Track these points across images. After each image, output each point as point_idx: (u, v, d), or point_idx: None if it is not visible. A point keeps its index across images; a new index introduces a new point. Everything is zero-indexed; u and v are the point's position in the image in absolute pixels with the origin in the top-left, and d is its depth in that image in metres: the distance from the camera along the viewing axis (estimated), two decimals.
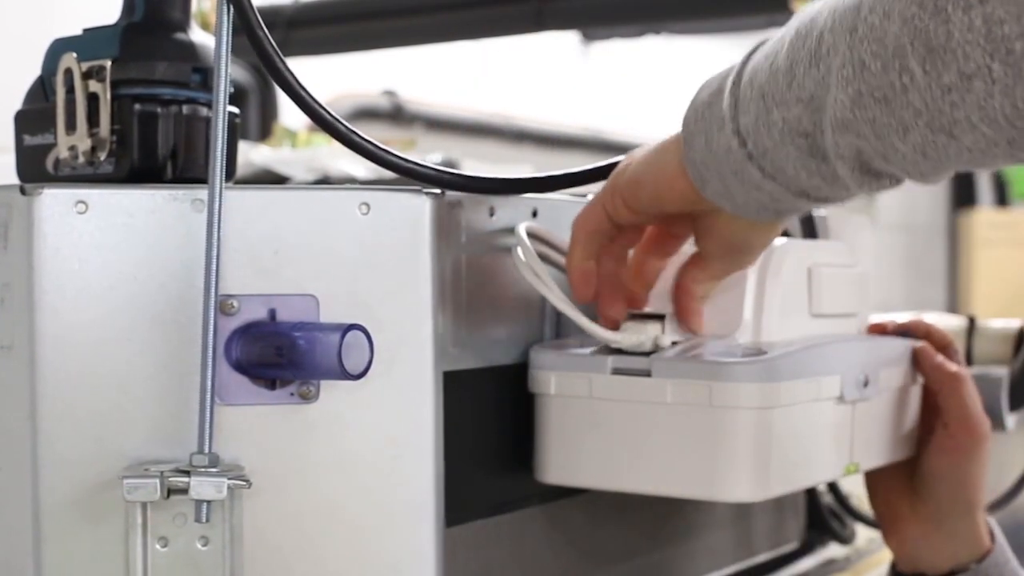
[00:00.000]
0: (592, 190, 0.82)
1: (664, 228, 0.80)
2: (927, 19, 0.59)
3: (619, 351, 0.80)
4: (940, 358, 0.94)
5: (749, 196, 0.70)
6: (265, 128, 2.65)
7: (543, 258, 0.82)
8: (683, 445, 0.78)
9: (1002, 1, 0.57)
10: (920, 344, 0.94)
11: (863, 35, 0.62)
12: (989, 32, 0.57)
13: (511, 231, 0.81)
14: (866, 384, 0.86)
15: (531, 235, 0.81)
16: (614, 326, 0.81)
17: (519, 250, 0.78)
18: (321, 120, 0.73)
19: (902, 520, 0.96)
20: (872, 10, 0.62)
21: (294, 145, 2.08)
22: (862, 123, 0.63)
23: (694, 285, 0.79)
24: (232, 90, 0.71)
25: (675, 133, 0.74)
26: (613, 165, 0.80)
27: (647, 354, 0.79)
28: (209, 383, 0.66)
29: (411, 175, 0.74)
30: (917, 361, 0.94)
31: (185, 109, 0.76)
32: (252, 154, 1.88)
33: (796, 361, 0.79)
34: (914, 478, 0.94)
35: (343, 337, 0.67)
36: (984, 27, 0.57)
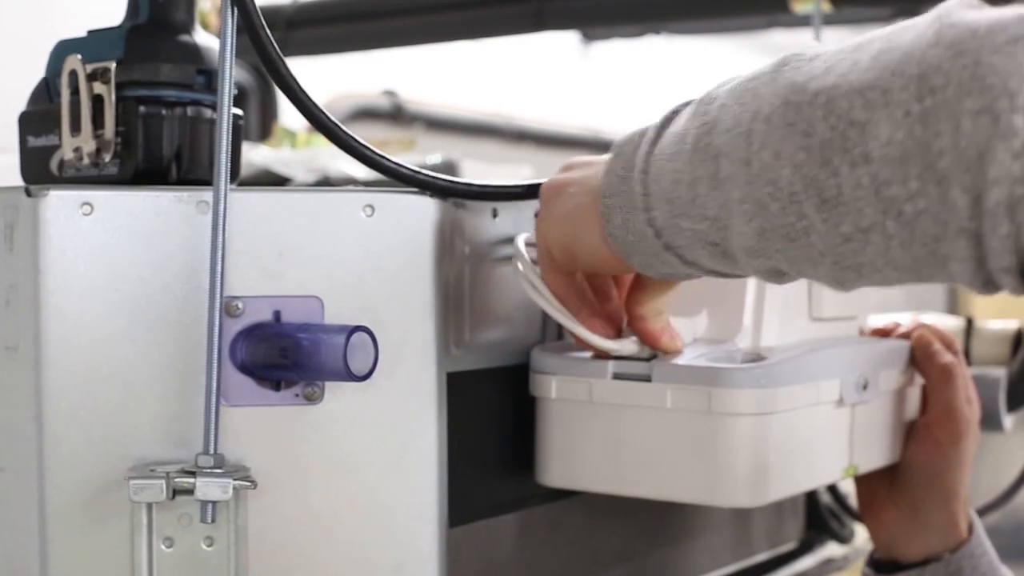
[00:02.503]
0: None
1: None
2: (816, 169, 0.57)
3: (619, 356, 0.80)
4: (936, 347, 0.94)
5: (674, 271, 0.69)
6: (265, 129, 2.65)
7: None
8: (683, 450, 0.78)
9: (887, 162, 0.54)
10: (919, 333, 0.94)
11: (758, 172, 0.60)
12: (878, 192, 0.55)
13: (513, 236, 0.81)
14: (865, 387, 0.87)
15: (532, 245, 0.81)
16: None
17: (517, 263, 0.78)
18: (320, 124, 0.74)
19: (880, 506, 0.96)
20: (763, 145, 0.59)
21: (294, 146, 2.08)
22: (771, 251, 0.61)
23: (640, 308, 0.77)
24: (235, 92, 0.71)
25: (589, 191, 0.71)
26: None
27: (647, 359, 0.79)
28: (214, 384, 0.67)
29: (408, 181, 0.74)
30: (914, 349, 0.94)
31: (189, 111, 0.76)
32: (252, 155, 1.88)
33: (795, 366, 0.80)
34: (895, 466, 0.95)
35: (348, 338, 0.67)
36: (872, 186, 0.55)
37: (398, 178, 0.75)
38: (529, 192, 0.79)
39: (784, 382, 0.78)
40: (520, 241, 0.79)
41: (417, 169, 0.75)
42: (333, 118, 0.74)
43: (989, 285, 0.54)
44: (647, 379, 0.78)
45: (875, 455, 0.91)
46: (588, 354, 0.81)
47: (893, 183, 0.54)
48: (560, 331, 0.87)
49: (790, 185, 0.58)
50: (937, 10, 0.56)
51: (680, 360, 0.79)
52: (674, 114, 0.68)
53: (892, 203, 0.54)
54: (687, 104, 0.68)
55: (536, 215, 0.76)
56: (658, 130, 0.68)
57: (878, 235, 0.56)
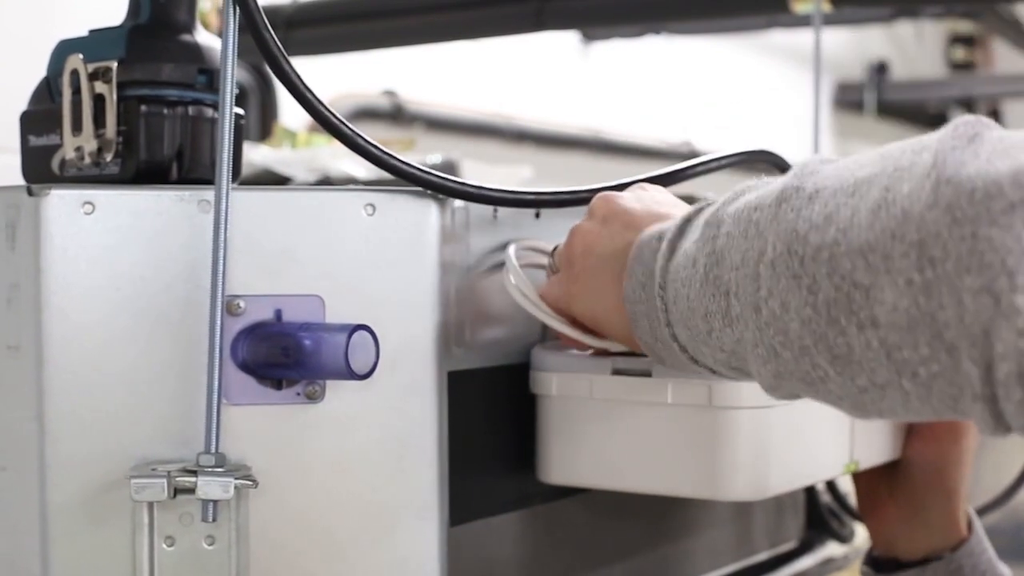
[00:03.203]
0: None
1: None
2: (824, 327, 0.56)
3: (620, 352, 0.80)
4: None
5: (709, 375, 0.70)
6: (265, 128, 2.65)
7: (542, 268, 0.82)
8: (683, 445, 0.78)
9: (895, 328, 0.53)
10: None
11: (767, 320, 0.59)
12: (889, 355, 0.54)
13: (514, 234, 0.81)
14: None
15: (527, 248, 0.81)
16: None
17: (510, 275, 0.78)
18: (326, 122, 0.74)
19: (880, 503, 0.96)
20: (771, 293, 0.58)
21: (294, 145, 2.08)
22: (790, 387, 0.61)
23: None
24: (236, 91, 0.72)
25: (615, 274, 0.71)
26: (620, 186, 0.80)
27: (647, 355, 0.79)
28: (216, 383, 0.67)
29: (413, 180, 0.74)
30: None
31: (191, 110, 0.76)
32: (252, 154, 1.88)
33: None
34: (895, 463, 0.95)
35: (349, 337, 0.67)
36: (883, 349, 0.54)
37: (403, 176, 0.75)
38: (536, 201, 0.79)
39: None
40: (511, 251, 0.79)
41: (422, 168, 0.75)
42: (338, 115, 0.74)
43: (1007, 432, 0.53)
44: (647, 374, 0.78)
45: (876, 451, 0.91)
46: (588, 351, 0.81)
47: (904, 348, 0.53)
48: None
49: (800, 339, 0.57)
50: (934, 150, 0.54)
51: None
52: (687, 223, 0.67)
53: (905, 365, 0.54)
54: (700, 210, 0.66)
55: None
56: (672, 241, 0.67)
57: (895, 391, 0.55)
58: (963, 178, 0.51)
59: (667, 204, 0.76)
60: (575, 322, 0.78)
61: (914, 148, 0.55)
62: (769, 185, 0.63)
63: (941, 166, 0.52)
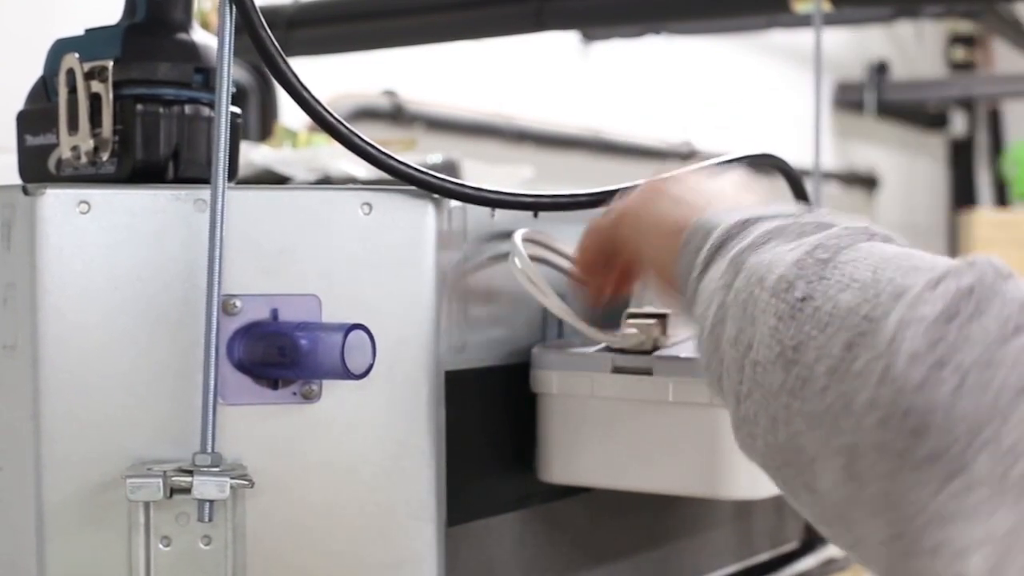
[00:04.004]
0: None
1: None
2: (779, 461, 0.54)
3: (620, 350, 0.80)
4: None
5: None
6: (265, 128, 2.64)
7: (543, 262, 0.82)
8: (684, 443, 0.78)
9: (830, 504, 0.51)
10: None
11: (743, 416, 0.57)
12: (829, 526, 0.53)
13: (511, 233, 0.81)
14: None
15: (530, 240, 0.81)
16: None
17: (515, 259, 0.78)
18: (323, 121, 0.73)
19: None
20: (749, 395, 0.56)
21: (294, 145, 2.08)
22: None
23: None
24: (233, 90, 0.71)
25: (675, 229, 0.69)
26: (612, 193, 0.80)
27: (648, 352, 0.79)
28: (212, 383, 0.66)
29: (410, 180, 0.74)
30: None
31: (187, 109, 0.76)
32: (253, 154, 1.88)
33: None
34: None
35: (346, 337, 0.67)
36: (822, 522, 0.54)
37: (400, 176, 0.74)
38: (536, 203, 0.79)
39: None
40: (517, 237, 0.79)
41: (419, 168, 0.75)
42: (332, 112, 0.74)
43: None
44: (648, 372, 0.78)
45: None
46: (589, 349, 0.81)
47: (835, 525, 0.53)
48: (559, 331, 0.87)
49: (763, 456, 0.56)
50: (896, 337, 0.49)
51: (682, 353, 0.79)
52: (728, 239, 0.64)
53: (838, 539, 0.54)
54: (746, 225, 0.63)
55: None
56: (711, 252, 0.64)
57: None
58: (904, 394, 0.47)
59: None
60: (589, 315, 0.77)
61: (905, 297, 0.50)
62: (788, 245, 0.59)
63: (892, 357, 0.48)
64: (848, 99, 5.43)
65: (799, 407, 0.50)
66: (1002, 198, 5.91)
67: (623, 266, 0.79)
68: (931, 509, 0.45)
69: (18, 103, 0.81)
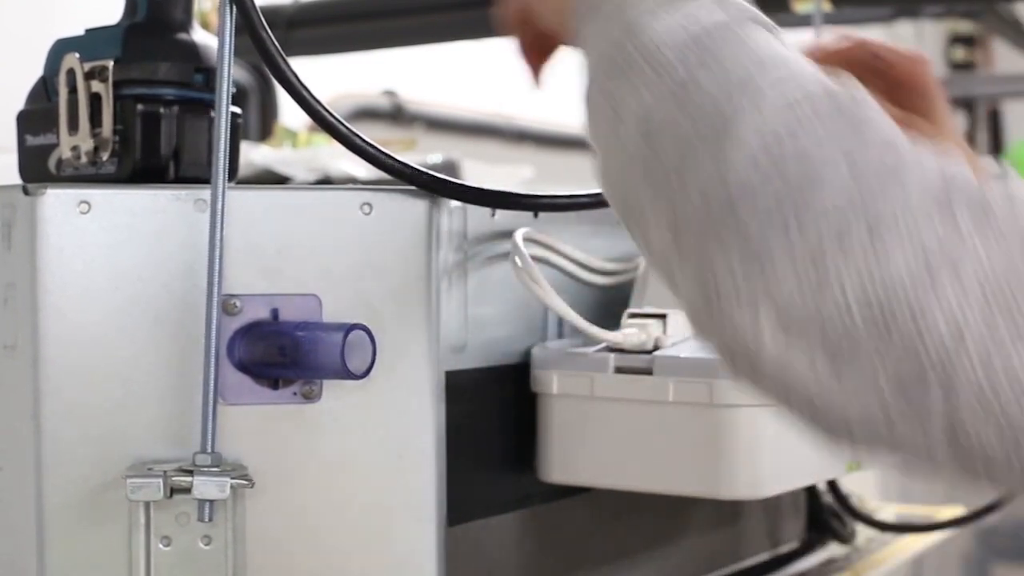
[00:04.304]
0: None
1: None
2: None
3: (621, 350, 0.80)
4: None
5: None
6: (266, 128, 2.64)
7: (543, 261, 0.82)
8: (684, 443, 0.78)
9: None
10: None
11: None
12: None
13: (511, 233, 0.81)
14: None
15: (530, 240, 0.81)
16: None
17: (516, 258, 0.78)
18: (323, 121, 0.73)
19: None
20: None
21: (295, 145, 2.08)
22: None
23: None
24: (233, 90, 0.71)
25: None
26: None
27: (648, 352, 0.79)
28: (212, 383, 0.66)
29: (410, 180, 0.74)
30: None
31: (187, 109, 0.76)
32: (253, 154, 1.88)
33: None
34: None
35: (346, 337, 0.67)
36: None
37: (400, 176, 0.74)
38: (536, 203, 0.79)
39: None
40: (518, 236, 0.79)
41: (419, 168, 0.75)
42: (332, 111, 0.74)
43: None
44: (648, 372, 0.78)
45: None
46: (589, 349, 0.81)
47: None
48: (560, 331, 0.87)
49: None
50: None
51: (682, 353, 0.79)
52: None
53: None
54: None
55: None
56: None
57: None
58: (730, 179, 0.53)
59: None
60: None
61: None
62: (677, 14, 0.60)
63: (721, 140, 0.54)
64: None
65: (642, 169, 0.57)
66: None
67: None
68: (732, 269, 0.51)
69: (18, 103, 0.81)
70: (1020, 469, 0.50)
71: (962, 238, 0.50)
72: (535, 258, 0.81)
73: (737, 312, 0.52)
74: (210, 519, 0.66)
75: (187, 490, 0.66)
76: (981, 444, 0.50)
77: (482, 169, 2.17)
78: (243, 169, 0.84)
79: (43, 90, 0.79)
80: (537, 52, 0.81)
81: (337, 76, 2.93)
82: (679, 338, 0.81)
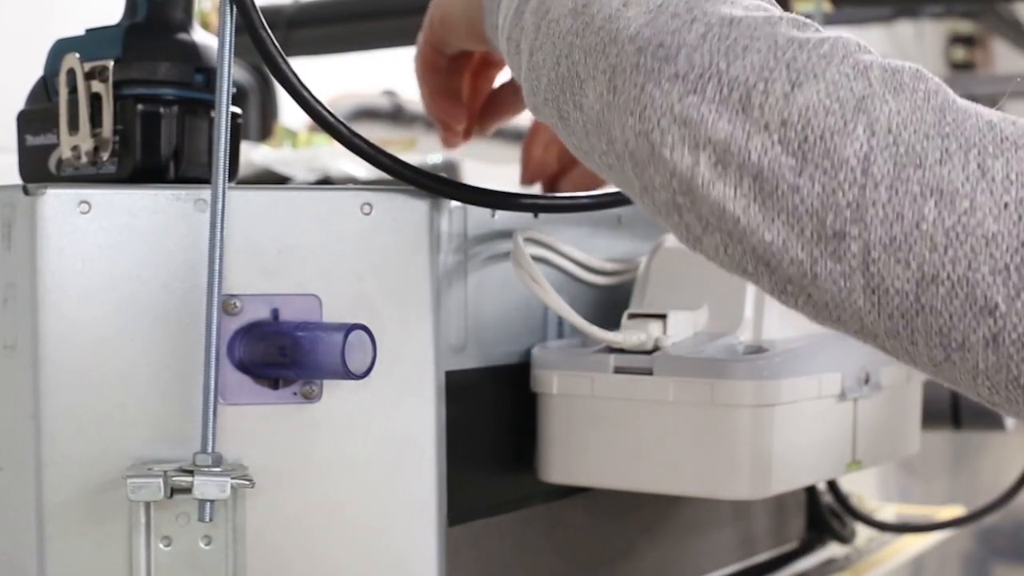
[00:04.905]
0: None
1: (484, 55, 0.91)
2: (558, 92, 0.64)
3: (621, 350, 0.80)
4: None
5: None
6: (266, 128, 2.64)
7: (544, 261, 0.82)
8: (685, 443, 0.78)
9: (591, 120, 0.61)
10: None
11: (531, 66, 0.66)
12: (587, 136, 0.62)
13: (511, 233, 0.81)
14: (867, 381, 0.87)
15: (531, 240, 0.81)
16: (453, 142, 0.94)
17: (516, 258, 0.79)
18: (323, 121, 0.74)
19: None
20: (540, 47, 0.64)
21: (295, 145, 2.08)
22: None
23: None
24: (233, 90, 0.71)
25: None
26: (612, 195, 0.80)
27: (649, 352, 0.79)
28: (212, 383, 0.66)
29: (410, 180, 0.74)
30: None
31: (188, 109, 0.76)
32: (253, 154, 1.88)
33: (797, 358, 0.80)
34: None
35: (346, 337, 0.67)
36: (584, 131, 0.62)
37: (400, 176, 0.74)
38: (536, 204, 0.79)
39: (786, 374, 0.78)
40: (518, 235, 0.79)
41: (419, 168, 0.75)
42: (332, 112, 0.74)
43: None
44: (649, 372, 0.78)
45: (878, 450, 0.91)
46: (589, 349, 0.81)
47: (592, 137, 0.61)
48: (560, 331, 0.87)
49: (546, 92, 0.64)
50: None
51: (682, 353, 0.79)
52: None
53: (594, 149, 0.62)
54: None
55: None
56: None
57: (594, 165, 0.63)
58: (661, 34, 0.58)
59: None
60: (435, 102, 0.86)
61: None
62: None
63: (658, 12, 0.59)
64: None
65: (579, 43, 0.61)
66: None
67: (458, 59, 0.89)
68: (672, 112, 0.56)
69: (18, 103, 0.81)
70: (929, 311, 0.52)
71: (872, 88, 0.54)
72: (535, 258, 0.81)
73: (678, 154, 0.56)
74: (210, 519, 0.66)
75: (187, 490, 0.66)
76: (894, 285, 0.53)
77: (482, 169, 2.17)
78: (243, 169, 0.84)
79: (43, 90, 0.79)
80: (472, 90, 0.93)
81: (337, 76, 2.93)
82: (679, 338, 0.81)
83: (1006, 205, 0.51)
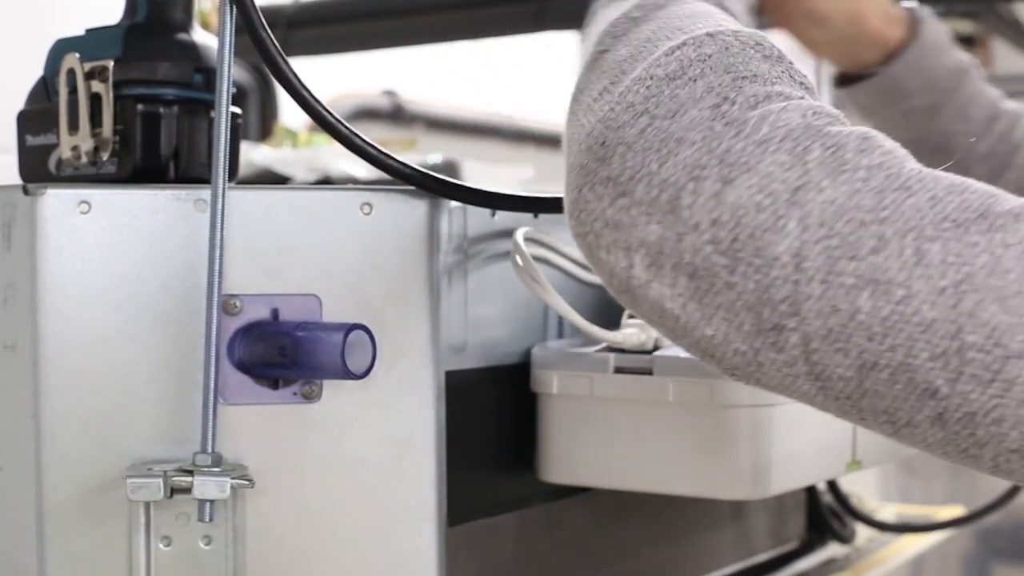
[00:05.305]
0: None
1: None
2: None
3: (621, 350, 0.80)
4: None
5: None
6: (265, 128, 2.64)
7: (544, 261, 0.82)
8: (685, 443, 0.78)
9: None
10: None
11: None
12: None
13: (511, 233, 0.81)
14: None
15: (531, 240, 0.81)
16: None
17: (517, 257, 0.79)
18: (323, 121, 0.73)
19: (795, 21, 0.98)
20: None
21: (295, 145, 2.08)
22: None
23: None
24: (233, 90, 0.71)
25: None
26: None
27: (649, 352, 0.79)
28: (212, 383, 0.66)
29: (409, 180, 0.74)
30: None
31: (188, 109, 0.76)
32: (253, 154, 1.88)
33: None
34: None
35: (346, 337, 0.67)
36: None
37: (400, 176, 0.74)
38: (536, 204, 0.79)
39: None
40: (519, 235, 0.79)
41: (419, 168, 0.75)
42: (332, 111, 0.74)
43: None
44: (648, 372, 0.78)
45: (879, 450, 0.91)
46: (589, 349, 0.81)
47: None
48: (560, 331, 0.87)
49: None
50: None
51: (682, 353, 0.79)
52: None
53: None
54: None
55: None
56: None
57: None
58: (607, 130, 0.57)
59: None
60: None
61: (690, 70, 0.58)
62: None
63: (619, 100, 0.57)
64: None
65: (566, 134, 0.62)
66: None
67: None
68: (604, 215, 0.56)
69: (18, 103, 0.81)
70: (873, 394, 0.52)
71: (808, 176, 0.53)
72: (535, 258, 0.81)
73: (613, 257, 0.56)
74: (210, 519, 0.66)
75: (187, 490, 0.66)
76: (836, 372, 0.52)
77: (482, 169, 2.17)
78: (243, 169, 0.84)
79: (43, 90, 0.79)
80: None
81: (337, 76, 2.93)
82: None
83: (942, 290, 0.50)
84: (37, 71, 0.80)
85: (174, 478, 0.66)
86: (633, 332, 0.80)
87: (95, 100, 0.74)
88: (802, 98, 0.57)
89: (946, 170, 0.54)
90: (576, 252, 0.86)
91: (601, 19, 0.67)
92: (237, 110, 0.76)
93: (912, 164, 0.54)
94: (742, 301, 0.53)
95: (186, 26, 0.78)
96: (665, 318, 0.56)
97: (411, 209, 0.73)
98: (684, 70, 0.57)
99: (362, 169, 1.76)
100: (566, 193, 0.60)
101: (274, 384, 0.70)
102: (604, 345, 0.82)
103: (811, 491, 1.17)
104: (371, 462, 0.72)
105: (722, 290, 0.53)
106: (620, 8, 0.66)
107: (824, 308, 0.52)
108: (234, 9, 0.70)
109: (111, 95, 0.74)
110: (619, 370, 0.79)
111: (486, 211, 0.80)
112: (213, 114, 0.72)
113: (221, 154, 0.68)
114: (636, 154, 0.55)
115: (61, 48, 0.78)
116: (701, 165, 0.54)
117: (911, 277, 0.51)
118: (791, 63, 0.60)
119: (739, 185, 0.53)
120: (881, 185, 0.52)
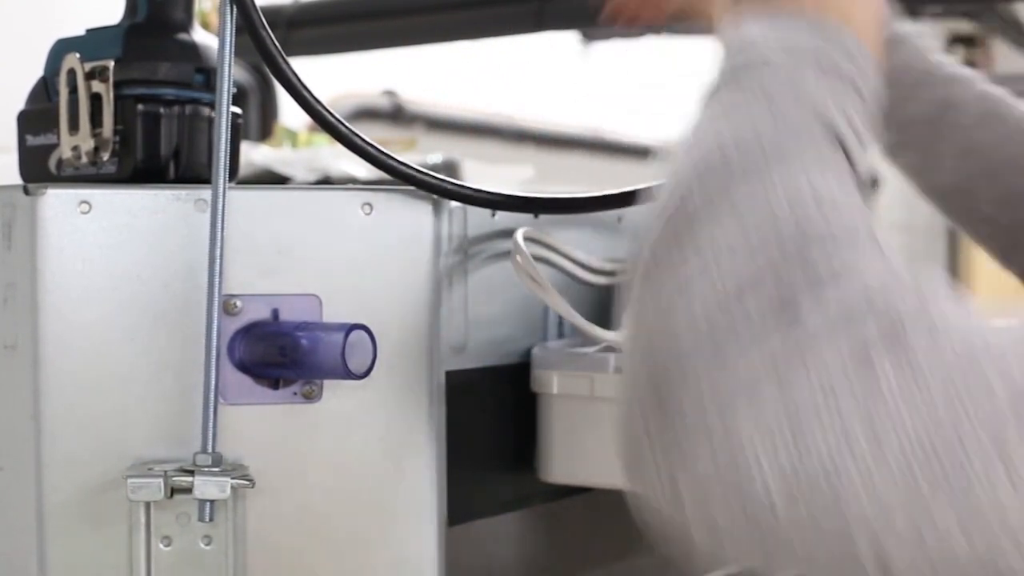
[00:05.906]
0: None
1: None
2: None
3: (621, 350, 0.80)
4: None
5: None
6: (266, 128, 2.64)
7: (544, 261, 0.82)
8: None
9: None
10: None
11: None
12: None
13: (511, 233, 0.81)
14: None
15: (531, 239, 0.81)
16: None
17: (517, 257, 0.79)
18: (323, 121, 0.74)
19: None
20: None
21: (295, 145, 2.08)
22: None
23: None
24: (233, 90, 0.71)
25: None
26: (612, 195, 0.80)
27: None
28: (212, 383, 0.66)
29: (410, 180, 0.74)
30: None
31: (188, 109, 0.76)
32: (253, 154, 1.88)
33: None
34: None
35: (347, 337, 0.67)
36: None
37: (400, 176, 0.74)
38: (536, 204, 0.79)
39: None
40: (519, 235, 0.79)
41: (419, 168, 0.75)
42: (332, 111, 0.74)
43: None
44: None
45: None
46: (589, 349, 0.81)
47: None
48: (560, 331, 0.87)
49: None
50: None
51: None
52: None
53: None
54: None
55: None
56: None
57: None
58: (676, 360, 0.53)
59: None
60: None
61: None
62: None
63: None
64: None
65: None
66: None
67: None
68: (666, 471, 0.53)
69: (18, 103, 0.81)
70: None
71: (883, 397, 0.46)
72: (535, 258, 0.81)
73: (656, 482, 0.53)
74: (211, 519, 0.66)
75: (187, 490, 0.66)
76: None
77: (482, 169, 2.17)
78: (243, 169, 0.84)
79: (43, 90, 0.79)
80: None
81: (337, 76, 2.93)
82: None
83: None
84: (37, 71, 0.80)
85: (174, 478, 0.66)
86: None
87: (95, 100, 0.74)
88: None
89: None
90: (576, 252, 0.86)
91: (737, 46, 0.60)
92: (237, 110, 0.76)
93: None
94: (820, 561, 0.49)
95: (186, 26, 0.78)
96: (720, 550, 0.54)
97: (411, 209, 0.73)
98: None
99: (362, 169, 1.76)
100: (619, 407, 0.56)
101: (274, 384, 0.70)
102: (604, 345, 0.82)
103: None
104: (371, 462, 0.72)
105: (795, 546, 0.49)
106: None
107: (912, 558, 0.47)
108: (234, 9, 0.70)
109: (111, 95, 0.74)
110: (619, 370, 0.79)
111: (486, 211, 0.80)
112: (213, 114, 0.72)
113: (221, 154, 0.68)
114: (688, 374, 0.53)
115: (61, 48, 0.78)
116: (759, 392, 0.49)
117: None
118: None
119: (807, 427, 0.47)
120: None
